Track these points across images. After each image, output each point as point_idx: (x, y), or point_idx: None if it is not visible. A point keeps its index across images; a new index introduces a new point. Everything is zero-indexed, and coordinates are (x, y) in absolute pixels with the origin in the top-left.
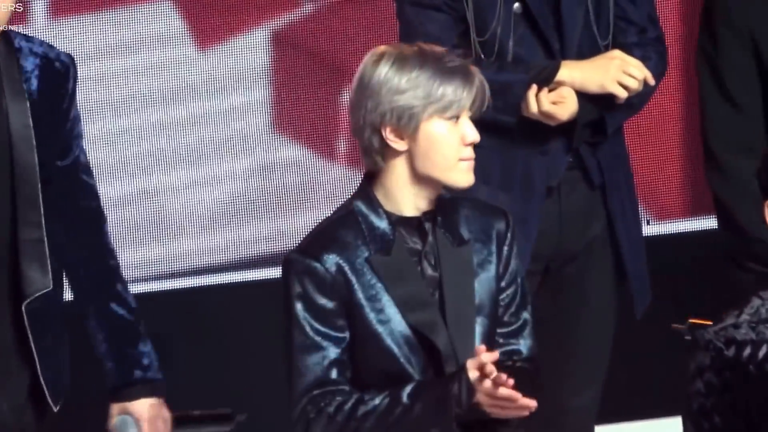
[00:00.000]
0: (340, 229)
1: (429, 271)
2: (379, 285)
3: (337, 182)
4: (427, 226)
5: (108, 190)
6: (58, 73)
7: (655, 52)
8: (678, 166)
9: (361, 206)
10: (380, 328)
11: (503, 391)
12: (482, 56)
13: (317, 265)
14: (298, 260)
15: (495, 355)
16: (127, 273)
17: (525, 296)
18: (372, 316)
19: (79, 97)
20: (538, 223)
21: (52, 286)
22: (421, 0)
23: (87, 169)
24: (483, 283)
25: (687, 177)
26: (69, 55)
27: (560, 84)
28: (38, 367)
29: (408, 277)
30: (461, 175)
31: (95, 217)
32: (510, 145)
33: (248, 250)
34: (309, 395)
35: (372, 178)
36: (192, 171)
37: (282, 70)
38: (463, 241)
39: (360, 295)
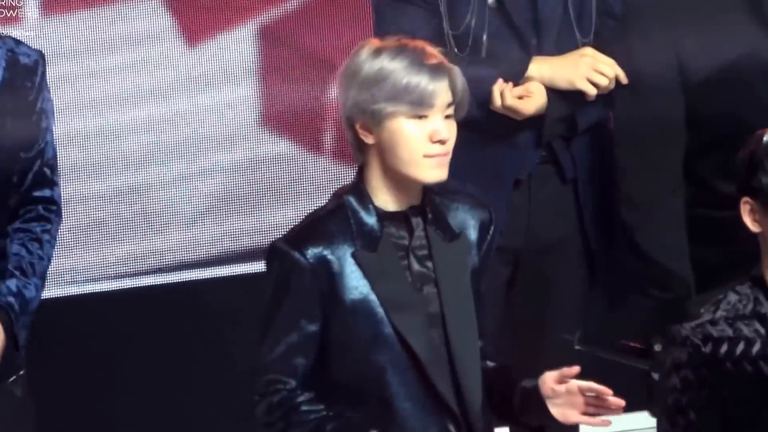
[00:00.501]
0: (329, 222)
1: (416, 266)
2: (363, 282)
3: (324, 176)
4: (414, 221)
5: (96, 186)
6: (24, 67)
7: None
8: None
9: (352, 201)
10: (360, 326)
11: None
12: (456, 50)
13: (300, 257)
14: (283, 249)
15: None
16: (115, 268)
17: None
18: (353, 313)
19: (70, 93)
20: (506, 216)
21: None
22: None
23: (51, 165)
24: (470, 277)
25: None
26: (38, 51)
27: (529, 79)
28: None
29: (393, 276)
30: (426, 171)
31: (46, 210)
32: (480, 138)
33: (236, 244)
34: (264, 378)
35: (362, 172)
36: (181, 166)
37: (269, 66)
38: (455, 235)
39: (342, 290)
